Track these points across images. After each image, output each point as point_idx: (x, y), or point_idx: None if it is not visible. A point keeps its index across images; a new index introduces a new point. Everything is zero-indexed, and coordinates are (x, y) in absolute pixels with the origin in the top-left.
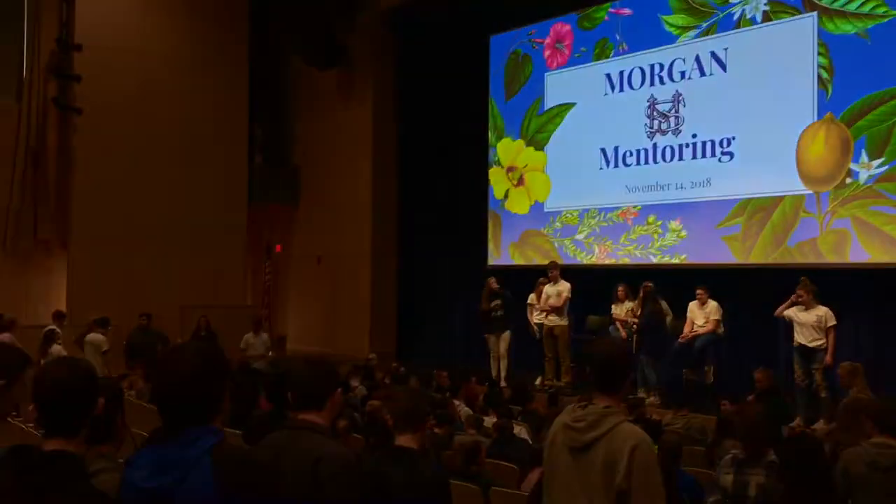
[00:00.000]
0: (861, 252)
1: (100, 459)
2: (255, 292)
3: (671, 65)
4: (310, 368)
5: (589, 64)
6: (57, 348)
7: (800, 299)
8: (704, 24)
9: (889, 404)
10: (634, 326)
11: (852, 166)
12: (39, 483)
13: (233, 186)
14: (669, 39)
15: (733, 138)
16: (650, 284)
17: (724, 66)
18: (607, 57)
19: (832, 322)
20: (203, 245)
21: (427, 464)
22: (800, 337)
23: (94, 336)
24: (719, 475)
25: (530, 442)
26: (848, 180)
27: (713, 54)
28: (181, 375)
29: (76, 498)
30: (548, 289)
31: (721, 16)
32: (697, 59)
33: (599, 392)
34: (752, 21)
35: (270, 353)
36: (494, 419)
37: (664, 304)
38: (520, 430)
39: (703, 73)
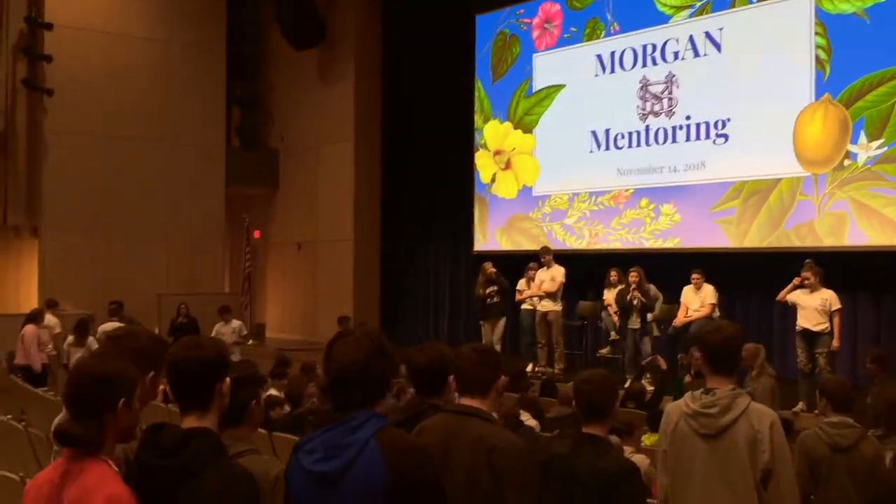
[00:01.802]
0: (860, 235)
1: (238, 442)
2: (233, 279)
3: (664, 45)
4: (476, 354)
5: (579, 44)
6: (91, 339)
7: (806, 282)
8: (699, 4)
9: (842, 381)
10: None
11: (851, 148)
12: (184, 460)
13: (210, 170)
14: (662, 19)
15: (728, 120)
16: (639, 271)
17: (718, 47)
18: (598, 37)
19: (837, 306)
20: (180, 231)
21: (617, 453)
22: (803, 321)
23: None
24: None
25: (537, 429)
26: (846, 162)
27: (707, 34)
28: (357, 360)
29: (221, 475)
30: (541, 273)
31: None
32: (691, 40)
33: (715, 375)
34: (748, 0)
35: (251, 342)
36: None
37: (653, 289)
38: (527, 417)
39: (697, 54)
